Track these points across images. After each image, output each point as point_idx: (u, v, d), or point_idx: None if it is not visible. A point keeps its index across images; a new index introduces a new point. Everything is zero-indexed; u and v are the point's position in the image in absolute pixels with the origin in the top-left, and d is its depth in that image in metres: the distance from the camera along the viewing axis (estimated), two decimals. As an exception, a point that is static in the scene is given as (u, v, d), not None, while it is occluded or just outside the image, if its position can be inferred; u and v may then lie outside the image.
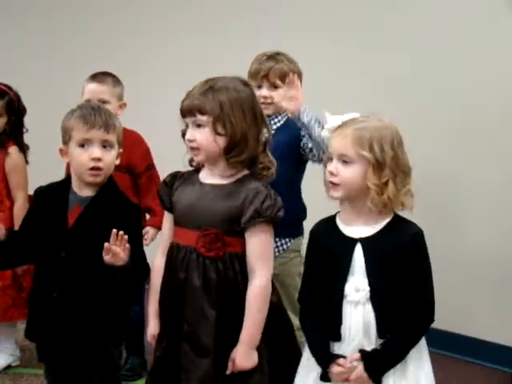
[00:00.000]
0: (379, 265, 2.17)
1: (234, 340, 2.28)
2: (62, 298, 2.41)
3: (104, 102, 3.27)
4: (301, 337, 3.32)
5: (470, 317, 3.76)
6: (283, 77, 3.08)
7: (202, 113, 2.27)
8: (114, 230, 2.30)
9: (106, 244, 2.30)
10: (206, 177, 2.37)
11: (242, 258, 2.30)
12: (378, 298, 2.16)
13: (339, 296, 2.20)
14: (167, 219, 2.44)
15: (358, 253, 2.20)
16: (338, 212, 2.31)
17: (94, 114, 2.42)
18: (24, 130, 3.51)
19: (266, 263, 2.31)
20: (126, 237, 2.31)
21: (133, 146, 3.33)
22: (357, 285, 2.19)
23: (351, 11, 3.95)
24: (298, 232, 3.17)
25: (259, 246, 2.29)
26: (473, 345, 3.74)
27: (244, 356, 2.28)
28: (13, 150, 3.45)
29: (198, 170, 2.41)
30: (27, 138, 3.52)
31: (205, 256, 2.29)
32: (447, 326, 3.68)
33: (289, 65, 3.11)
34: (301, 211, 3.18)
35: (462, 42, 3.64)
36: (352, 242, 2.21)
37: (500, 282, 3.66)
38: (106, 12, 4.95)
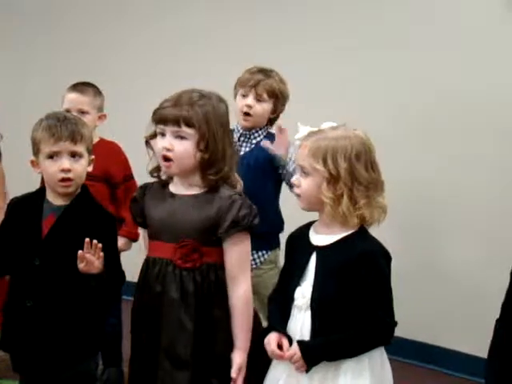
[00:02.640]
0: (326, 275, 2.18)
1: (211, 351, 2.28)
2: (37, 307, 2.40)
3: (83, 112, 3.28)
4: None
5: (443, 328, 3.77)
6: (270, 92, 3.10)
7: (189, 125, 2.24)
8: (87, 239, 2.30)
9: (79, 252, 2.30)
10: (178, 188, 2.33)
11: (218, 267, 2.30)
12: (316, 306, 2.17)
13: (290, 300, 2.23)
14: (144, 235, 2.44)
15: (313, 260, 2.21)
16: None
17: (59, 125, 2.40)
18: None
19: (246, 270, 2.32)
20: (99, 245, 2.30)
21: (111, 156, 3.34)
22: (303, 291, 2.21)
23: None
24: (275, 244, 3.19)
25: (239, 255, 2.30)
26: (445, 355, 3.74)
27: (245, 361, 2.29)
28: None
29: (165, 182, 2.38)
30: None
31: (182, 267, 2.28)
32: (420, 337, 3.70)
33: (279, 83, 3.13)
34: (278, 224, 3.19)
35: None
36: (311, 249, 2.23)
37: (474, 293, 3.67)
38: (88, 22, 4.94)
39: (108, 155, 3.30)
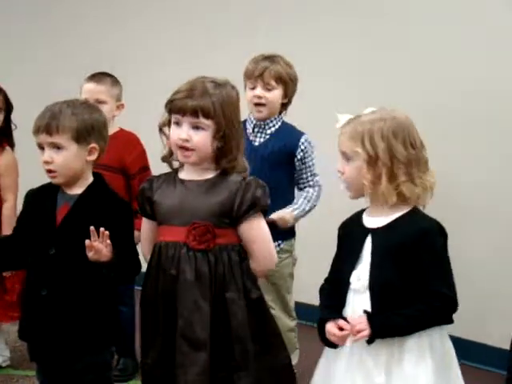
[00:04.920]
0: (383, 256, 2.18)
1: (227, 334, 2.28)
2: (52, 295, 2.40)
3: (101, 102, 3.26)
4: (294, 337, 3.32)
5: (464, 319, 3.73)
6: (277, 78, 3.07)
7: (208, 117, 2.25)
8: (92, 227, 2.29)
9: (87, 241, 2.29)
10: (189, 175, 2.35)
11: (230, 249, 2.31)
12: (376, 288, 2.17)
13: (345, 282, 2.23)
14: (148, 226, 2.42)
15: (368, 243, 2.21)
16: None
17: (41, 117, 2.40)
18: (13, 126, 3.47)
19: (271, 243, 2.38)
20: (106, 233, 2.30)
21: (127, 147, 3.34)
22: (359, 274, 2.21)
23: (351, 11, 3.95)
24: (290, 234, 3.17)
25: (261, 232, 2.34)
26: (466, 347, 3.71)
27: None
28: (8, 149, 3.43)
29: (175, 170, 2.40)
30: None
31: (196, 249, 2.28)
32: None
33: (285, 67, 3.09)
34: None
35: (461, 41, 3.63)
36: (365, 231, 2.23)
37: (494, 283, 3.64)
38: (104, 10, 4.97)
39: (125, 146, 3.30)
